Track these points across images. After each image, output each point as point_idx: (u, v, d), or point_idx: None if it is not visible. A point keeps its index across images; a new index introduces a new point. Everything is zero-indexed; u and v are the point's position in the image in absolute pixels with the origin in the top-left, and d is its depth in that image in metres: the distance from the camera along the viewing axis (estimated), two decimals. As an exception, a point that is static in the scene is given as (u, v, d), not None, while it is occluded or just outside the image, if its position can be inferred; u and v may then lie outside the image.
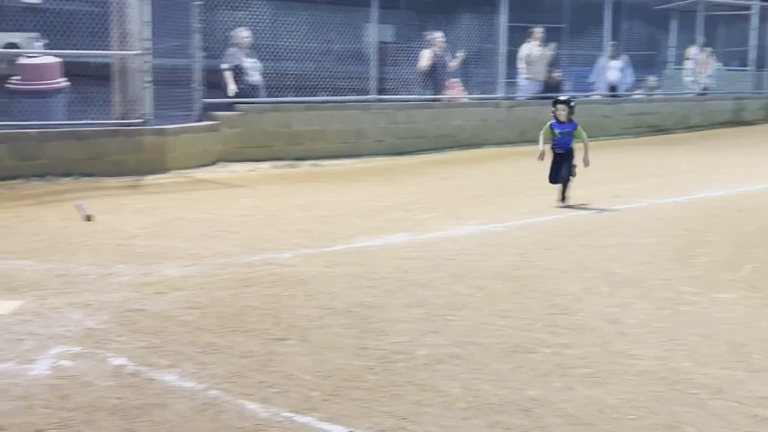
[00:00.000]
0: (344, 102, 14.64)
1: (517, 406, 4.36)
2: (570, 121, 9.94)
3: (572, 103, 10.02)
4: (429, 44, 15.88)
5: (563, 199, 9.99)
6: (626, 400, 4.48)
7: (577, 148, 10.06)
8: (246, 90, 13.37)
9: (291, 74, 14.57)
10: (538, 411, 4.31)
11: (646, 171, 13.79)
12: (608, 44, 19.07)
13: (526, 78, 17.72)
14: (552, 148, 10.05)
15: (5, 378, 4.56)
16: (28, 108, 11.45)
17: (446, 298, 6.28)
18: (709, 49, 21.74)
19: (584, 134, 10.01)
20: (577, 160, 10.06)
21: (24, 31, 14.78)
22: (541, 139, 10.02)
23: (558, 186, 10.03)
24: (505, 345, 5.28)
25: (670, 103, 20.87)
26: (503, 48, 16.83)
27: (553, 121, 9.98)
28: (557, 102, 10.04)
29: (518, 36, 17.74)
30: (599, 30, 19.35)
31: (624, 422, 4.25)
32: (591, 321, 5.81)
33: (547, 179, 10.08)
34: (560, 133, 9.92)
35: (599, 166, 14.29)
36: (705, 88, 21.77)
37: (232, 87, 13.13)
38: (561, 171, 9.99)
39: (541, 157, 9.95)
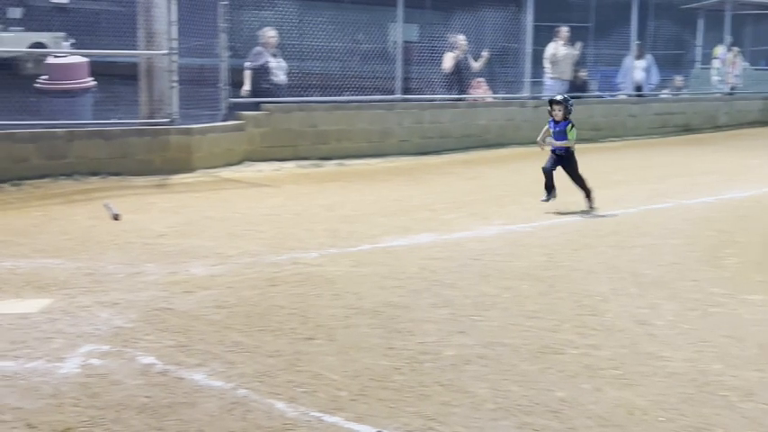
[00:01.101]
0: (370, 101, 14.64)
1: (546, 407, 4.34)
2: (564, 120, 9.67)
3: (570, 103, 9.77)
4: (452, 47, 15.86)
5: (548, 194, 9.66)
6: (656, 402, 4.45)
7: (579, 151, 9.90)
8: (272, 89, 13.40)
9: (317, 73, 14.59)
10: (567, 413, 4.29)
11: (673, 171, 13.70)
12: (633, 44, 18.96)
13: (552, 78, 17.64)
14: (551, 149, 9.80)
15: (36, 376, 4.59)
16: (56, 108, 11.52)
17: (473, 298, 6.27)
18: (736, 49, 21.58)
19: (572, 134, 9.66)
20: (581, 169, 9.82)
21: (51, 30, 14.91)
22: (541, 135, 9.87)
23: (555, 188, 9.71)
24: (533, 345, 5.26)
25: (697, 102, 20.74)
26: (528, 47, 16.78)
27: (550, 120, 9.75)
28: (552, 102, 9.84)
29: (544, 35, 17.68)
30: (625, 29, 19.25)
31: (654, 424, 4.22)
32: (619, 322, 5.78)
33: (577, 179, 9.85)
34: (554, 132, 9.70)
35: (625, 165, 14.28)
36: (733, 88, 21.62)
37: (246, 88, 13.16)
38: (571, 179, 9.77)
39: (541, 147, 9.86)
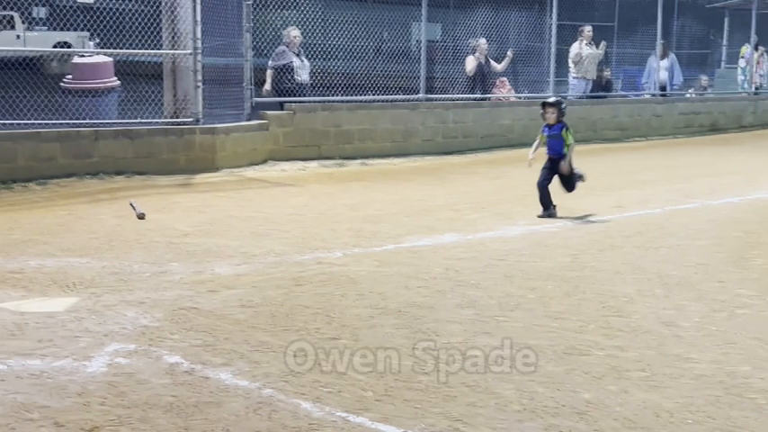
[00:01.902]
0: (393, 101, 14.64)
1: (572, 409, 4.32)
2: (558, 123, 9.34)
3: (563, 105, 9.44)
4: (473, 50, 15.84)
5: (545, 210, 9.26)
6: (683, 405, 4.42)
7: (576, 153, 9.59)
8: (295, 89, 13.42)
9: (340, 73, 14.61)
10: (593, 414, 4.27)
11: (699, 171, 13.63)
12: (658, 43, 18.86)
13: (576, 77, 17.59)
14: (547, 153, 9.48)
15: (63, 375, 4.61)
16: (81, 107, 11.59)
17: (497, 299, 6.25)
18: (762, 48, 21.42)
19: (570, 138, 9.33)
20: (581, 169, 9.66)
21: (76, 30, 15.00)
22: (534, 144, 9.55)
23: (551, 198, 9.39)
24: (559, 347, 5.24)
25: (723, 102, 20.62)
26: (552, 46, 16.73)
27: (544, 126, 9.45)
28: (544, 104, 9.48)
29: (567, 34, 17.63)
30: (649, 28, 19.17)
31: (681, 426, 4.19)
32: (645, 324, 5.74)
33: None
34: (548, 137, 9.36)
35: (650, 165, 14.20)
36: (758, 87, 21.46)
37: (267, 87, 13.19)
38: (563, 184, 9.40)
39: (530, 164, 9.43)
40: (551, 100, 9.58)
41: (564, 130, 9.30)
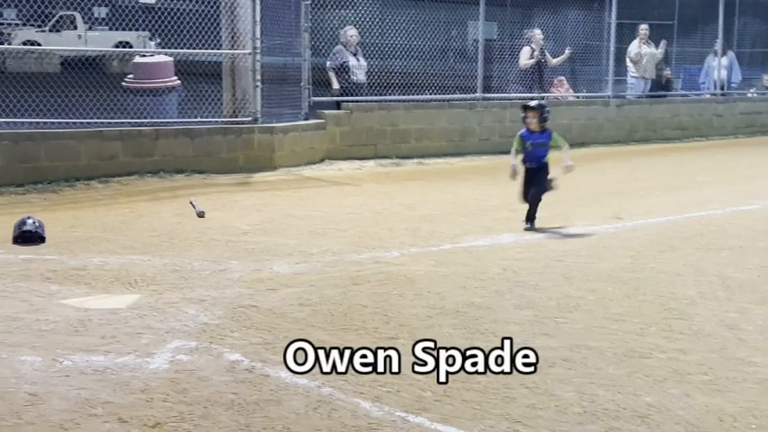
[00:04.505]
0: (450, 100, 14.62)
1: (634, 412, 4.28)
2: (543, 130, 8.55)
3: (545, 110, 8.58)
4: (528, 41, 15.72)
5: (529, 220, 8.56)
6: (746, 409, 4.35)
7: (554, 159, 8.78)
8: (352, 88, 13.46)
9: (397, 72, 14.62)
10: (655, 418, 4.22)
11: (760, 172, 13.40)
12: (718, 41, 18.58)
13: (634, 76, 17.40)
14: (523, 162, 8.60)
15: (126, 371, 4.68)
16: (142, 106, 11.76)
17: (556, 300, 6.21)
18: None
19: (561, 141, 8.64)
20: (555, 173, 8.79)
21: (136, 30, 15.23)
22: (512, 151, 8.63)
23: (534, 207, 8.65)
24: (619, 349, 5.19)
25: (785, 101, 20.23)
26: (611, 45, 16.57)
27: (523, 130, 8.60)
28: (525, 107, 8.60)
29: (627, 33, 17.45)
30: (710, 26, 18.89)
31: (745, 431, 4.13)
32: (707, 327, 5.67)
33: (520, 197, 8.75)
34: (531, 144, 8.50)
35: (711, 166, 13.99)
36: (823, 86, 21.03)
37: (336, 86, 13.25)
38: (531, 188, 8.57)
39: (513, 174, 8.58)
40: (533, 103, 8.68)
41: (552, 137, 8.58)
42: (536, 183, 8.56)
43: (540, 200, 8.59)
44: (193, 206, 9.19)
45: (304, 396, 4.40)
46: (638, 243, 8.12)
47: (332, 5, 13.67)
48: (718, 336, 5.49)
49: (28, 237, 7.65)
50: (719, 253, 7.79)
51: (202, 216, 8.89)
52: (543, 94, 15.99)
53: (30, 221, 7.80)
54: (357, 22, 13.96)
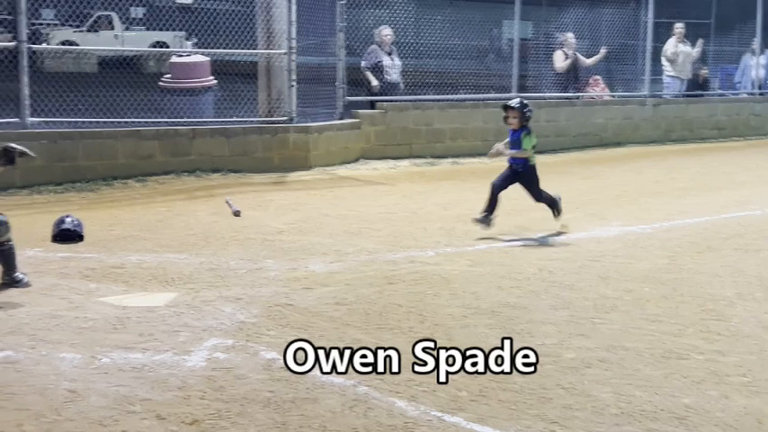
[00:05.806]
0: (485, 99, 14.58)
1: (671, 413, 4.25)
2: (522, 128, 8.21)
3: (526, 109, 8.22)
4: (560, 44, 15.66)
5: (486, 213, 8.20)
6: (786, 412, 4.31)
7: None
8: (386, 88, 13.47)
9: (432, 71, 14.61)
10: (693, 419, 4.19)
11: (799, 172, 13.23)
12: (755, 40, 18.38)
13: (671, 76, 17.26)
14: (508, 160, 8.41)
15: (164, 368, 4.72)
16: (179, 105, 11.84)
17: (592, 300, 6.18)
18: None
19: (527, 143, 8.18)
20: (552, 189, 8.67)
21: (173, 30, 15.34)
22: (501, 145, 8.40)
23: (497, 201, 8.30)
24: (656, 350, 5.15)
25: (826, 100, 19.96)
26: (648, 44, 16.45)
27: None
28: (506, 107, 8.30)
29: (663, 32, 17.31)
30: (748, 25, 18.69)
31: (785, 435, 4.09)
32: (746, 328, 5.61)
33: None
34: (511, 142, 8.28)
35: (749, 166, 13.85)
36: None
37: (375, 84, 13.27)
38: (506, 182, 8.31)
39: (493, 153, 8.34)
40: (513, 103, 8.32)
41: (525, 134, 8.19)
42: (532, 193, 8.44)
43: (548, 199, 8.45)
44: (229, 205, 9.25)
45: (340, 395, 4.41)
46: (675, 243, 8.06)
47: (367, 5, 13.68)
48: (756, 337, 5.44)
49: (67, 235, 7.74)
50: (758, 254, 7.71)
51: (238, 215, 8.94)
52: (578, 94, 15.93)
53: (68, 220, 7.89)
54: (392, 21, 13.97)
